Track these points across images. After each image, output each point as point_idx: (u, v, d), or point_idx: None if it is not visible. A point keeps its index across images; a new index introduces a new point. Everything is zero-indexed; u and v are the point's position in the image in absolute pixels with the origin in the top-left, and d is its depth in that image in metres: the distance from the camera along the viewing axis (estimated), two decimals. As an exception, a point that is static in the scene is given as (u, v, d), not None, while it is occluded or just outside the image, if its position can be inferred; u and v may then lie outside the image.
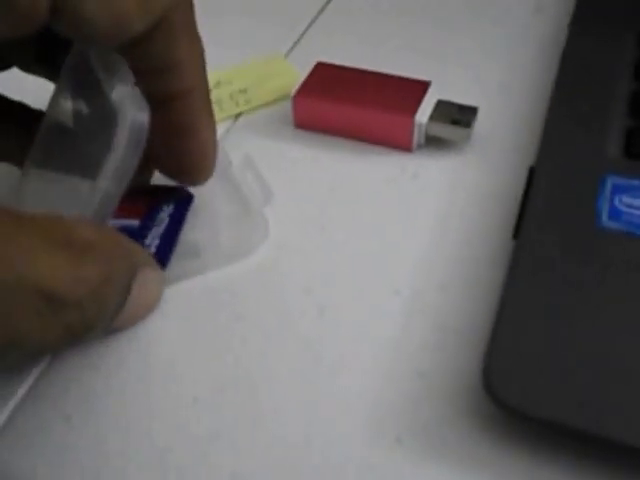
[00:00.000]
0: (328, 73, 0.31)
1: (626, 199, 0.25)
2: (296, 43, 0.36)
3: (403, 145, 0.30)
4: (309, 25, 0.37)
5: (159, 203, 0.26)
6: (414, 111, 0.29)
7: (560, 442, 0.20)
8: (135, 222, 0.25)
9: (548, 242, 0.24)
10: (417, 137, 0.29)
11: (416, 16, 0.38)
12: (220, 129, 0.30)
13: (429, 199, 0.28)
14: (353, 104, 0.30)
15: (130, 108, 0.19)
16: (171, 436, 0.21)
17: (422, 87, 0.30)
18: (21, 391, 0.22)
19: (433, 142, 0.30)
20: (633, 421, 0.19)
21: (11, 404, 0.22)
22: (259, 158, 0.29)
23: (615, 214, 0.24)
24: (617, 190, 0.25)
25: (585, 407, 0.19)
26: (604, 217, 0.24)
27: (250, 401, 0.22)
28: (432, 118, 0.29)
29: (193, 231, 0.26)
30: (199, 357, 0.23)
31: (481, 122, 0.30)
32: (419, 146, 0.30)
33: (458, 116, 0.29)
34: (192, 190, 0.27)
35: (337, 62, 0.32)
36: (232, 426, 0.21)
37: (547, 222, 0.24)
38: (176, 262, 0.25)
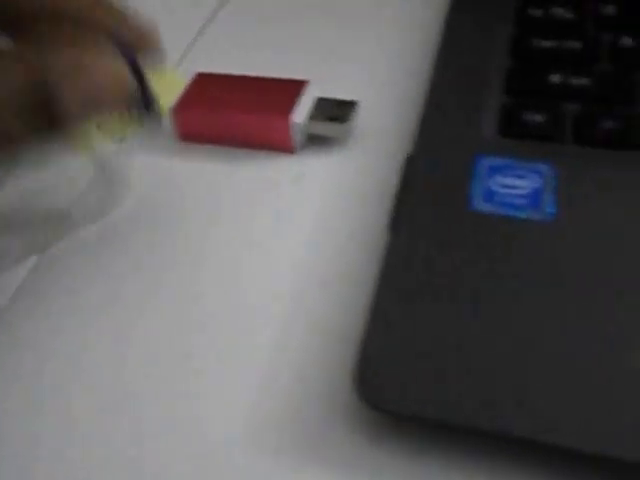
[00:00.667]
0: (208, 83, 0.31)
1: (500, 179, 0.25)
2: (185, 54, 0.36)
3: (285, 147, 0.29)
4: (198, 34, 0.37)
5: None
6: (290, 111, 0.29)
7: (438, 440, 0.20)
8: None
9: (420, 232, 0.23)
10: (297, 137, 0.29)
11: (304, 16, 0.37)
12: (105, 149, 0.30)
13: (311, 199, 0.28)
14: (230, 111, 0.29)
15: None
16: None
17: (300, 86, 0.30)
18: None
19: (316, 141, 0.30)
20: (508, 414, 0.18)
21: None
22: (145, 175, 0.28)
23: (489, 195, 0.24)
24: (491, 171, 0.25)
25: (461, 403, 0.19)
26: (478, 199, 0.24)
27: (127, 416, 0.21)
28: (311, 117, 0.29)
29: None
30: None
31: (365, 117, 0.30)
32: (302, 146, 0.29)
33: (337, 112, 0.29)
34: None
35: (228, 70, 0.32)
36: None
37: (420, 210, 0.24)
38: (42, 227, 0.24)
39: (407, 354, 0.20)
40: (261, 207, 0.28)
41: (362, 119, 0.30)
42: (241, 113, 0.29)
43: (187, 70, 0.33)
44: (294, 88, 0.30)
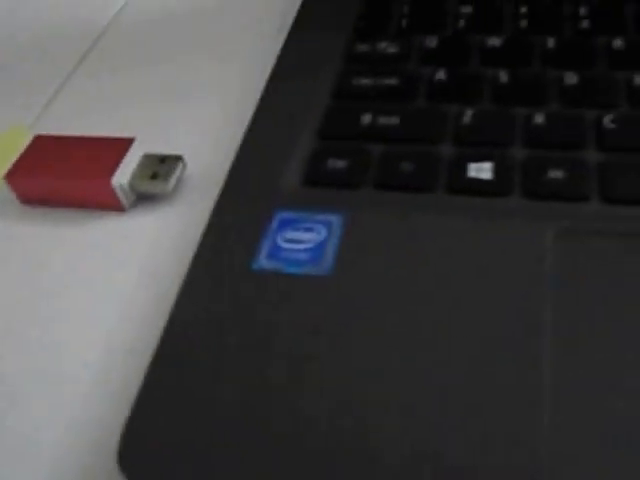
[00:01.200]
0: (44, 146, 0.31)
1: (289, 233, 0.25)
2: (41, 113, 0.36)
3: (113, 206, 0.29)
4: (56, 92, 0.37)
5: None
6: (112, 172, 0.29)
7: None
8: None
9: (201, 297, 0.23)
10: (125, 196, 0.29)
11: (150, 72, 0.37)
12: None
13: (136, 257, 0.28)
14: (58, 177, 0.30)
15: None
16: None
17: (126, 145, 0.30)
18: None
19: (147, 197, 0.30)
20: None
21: None
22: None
23: (274, 252, 0.24)
24: (282, 225, 0.25)
25: None
26: (263, 257, 0.24)
27: None
28: (134, 175, 0.29)
29: None
30: None
31: (195, 169, 0.30)
32: (133, 204, 0.30)
33: (160, 168, 0.29)
34: None
35: (83, 129, 0.32)
36: None
37: (208, 270, 0.24)
38: None
39: (172, 431, 0.20)
40: (87, 268, 0.28)
41: (192, 172, 0.31)
42: (67, 178, 0.30)
43: (40, 131, 0.34)
44: (120, 147, 0.30)
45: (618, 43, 0.29)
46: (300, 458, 0.19)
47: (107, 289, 0.27)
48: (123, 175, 0.29)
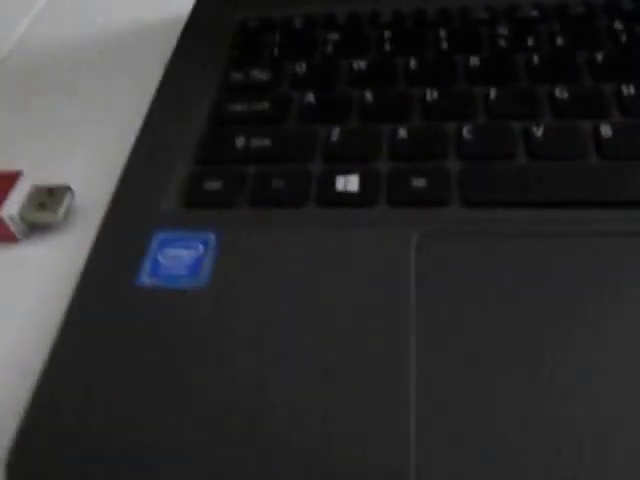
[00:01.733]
0: None
1: (169, 251, 0.25)
2: None
3: (7, 238, 0.30)
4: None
5: None
6: (0, 205, 0.29)
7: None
8: None
9: (88, 315, 0.24)
10: (16, 227, 0.29)
11: (39, 106, 0.37)
12: None
13: (30, 286, 0.28)
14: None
15: None
16: None
17: (14, 178, 0.30)
18: None
19: (39, 227, 0.30)
20: None
21: None
22: None
23: (155, 269, 0.25)
24: (162, 244, 0.25)
25: None
26: (145, 274, 0.24)
27: None
28: (23, 208, 0.29)
29: None
30: None
31: (84, 198, 0.31)
32: (26, 234, 0.30)
33: (47, 199, 0.29)
34: None
35: None
36: None
37: (92, 292, 0.24)
38: None
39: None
40: None
41: (82, 201, 0.31)
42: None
43: None
44: (8, 179, 0.30)
45: (474, 61, 0.31)
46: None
47: (3, 314, 0.27)
48: (12, 206, 0.29)
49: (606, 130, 0.27)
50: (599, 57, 0.30)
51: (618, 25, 0.31)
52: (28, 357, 0.26)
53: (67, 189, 0.30)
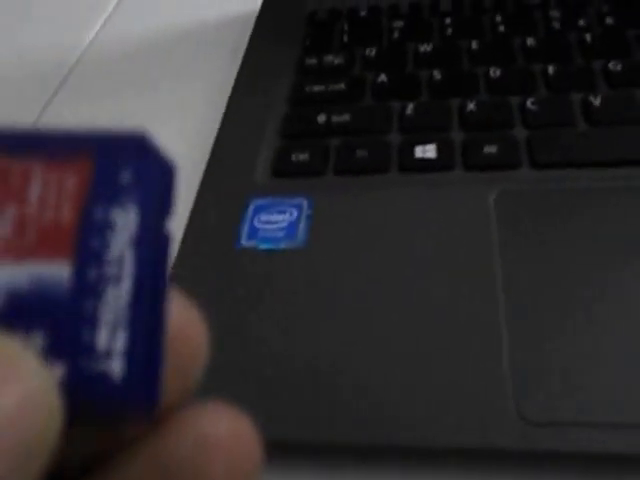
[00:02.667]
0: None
1: (264, 216, 0.28)
2: None
3: None
4: (34, 123, 0.40)
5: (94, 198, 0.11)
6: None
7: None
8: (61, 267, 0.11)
9: (195, 275, 0.26)
10: None
11: (124, 99, 0.40)
12: None
13: None
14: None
15: None
16: None
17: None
18: None
19: None
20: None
21: None
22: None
23: (253, 232, 0.27)
24: (257, 210, 0.28)
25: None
26: (243, 238, 0.27)
27: None
28: None
29: None
30: None
31: (180, 170, 0.33)
32: None
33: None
34: None
35: None
36: None
37: (194, 255, 0.27)
38: None
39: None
40: None
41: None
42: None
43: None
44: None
45: (531, 41, 0.34)
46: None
47: None
48: None
49: (658, 97, 0.29)
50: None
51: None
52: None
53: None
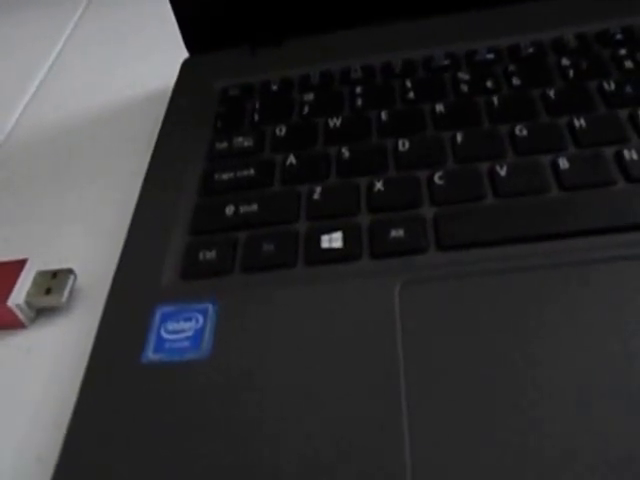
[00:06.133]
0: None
1: (171, 325, 0.27)
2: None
3: (15, 325, 0.32)
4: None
5: None
6: (8, 294, 0.31)
7: None
8: None
9: (100, 395, 0.26)
10: (23, 314, 0.32)
11: (38, 194, 0.40)
12: None
13: (40, 371, 0.30)
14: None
15: None
16: None
17: (19, 266, 0.32)
18: None
19: (45, 311, 0.32)
20: None
21: None
22: None
23: (160, 344, 0.27)
24: (164, 318, 0.27)
25: None
26: (150, 350, 0.26)
27: None
28: (29, 294, 0.31)
29: None
30: None
31: (88, 278, 0.33)
32: (32, 319, 0.32)
33: (52, 283, 0.32)
34: None
35: None
36: None
37: (100, 372, 0.26)
38: None
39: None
40: None
41: (83, 282, 0.33)
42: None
43: None
44: (15, 268, 0.32)
45: (440, 107, 0.33)
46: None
47: (15, 401, 0.29)
48: (19, 295, 0.32)
49: (564, 163, 0.29)
50: (551, 93, 0.32)
51: (565, 61, 0.33)
52: (43, 443, 0.27)
53: (70, 272, 0.32)
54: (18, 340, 0.32)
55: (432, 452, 0.22)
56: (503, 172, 0.29)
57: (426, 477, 0.21)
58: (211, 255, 0.29)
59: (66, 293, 0.32)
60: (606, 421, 0.21)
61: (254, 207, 0.31)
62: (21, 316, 0.32)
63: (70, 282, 0.32)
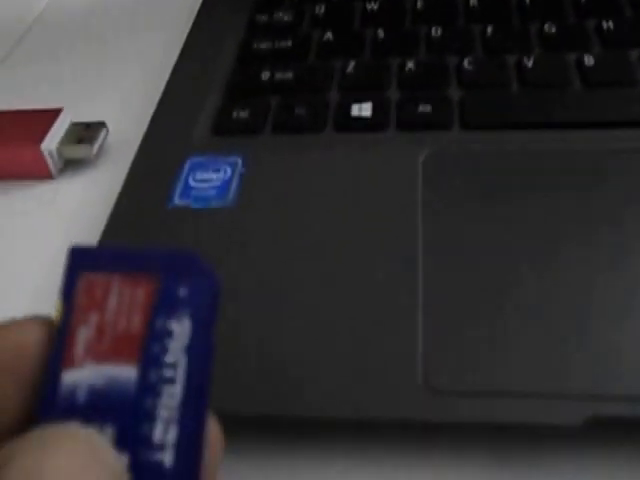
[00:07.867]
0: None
1: (199, 175, 0.29)
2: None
3: (42, 174, 0.33)
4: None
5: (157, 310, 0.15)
6: (41, 139, 0.32)
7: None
8: (128, 370, 0.14)
9: (124, 236, 0.27)
10: (53, 163, 0.33)
11: (77, 54, 0.41)
12: None
13: (64, 222, 0.31)
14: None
15: None
16: None
17: (54, 115, 0.33)
18: None
19: (72, 164, 0.33)
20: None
21: None
22: None
23: (186, 191, 0.28)
24: (193, 168, 0.29)
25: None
26: (176, 197, 0.28)
27: None
28: (61, 142, 0.32)
29: None
30: None
31: (119, 134, 0.34)
32: (60, 171, 0.33)
33: (85, 134, 0.33)
34: None
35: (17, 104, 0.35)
36: None
37: (127, 215, 0.28)
38: None
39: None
40: (12, 235, 0.31)
41: (115, 138, 0.34)
42: (-1, 147, 0.32)
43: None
44: (49, 116, 0.33)
45: (473, 1, 0.34)
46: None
47: (39, 249, 0.30)
48: (52, 141, 0.32)
49: (589, 60, 0.30)
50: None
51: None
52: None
53: (102, 125, 0.33)
54: (43, 190, 0.33)
55: (443, 314, 0.23)
56: (530, 64, 0.30)
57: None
58: (244, 114, 0.31)
59: (97, 145, 0.33)
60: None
61: (289, 75, 0.32)
62: (50, 165, 0.33)
63: (102, 135, 0.33)
